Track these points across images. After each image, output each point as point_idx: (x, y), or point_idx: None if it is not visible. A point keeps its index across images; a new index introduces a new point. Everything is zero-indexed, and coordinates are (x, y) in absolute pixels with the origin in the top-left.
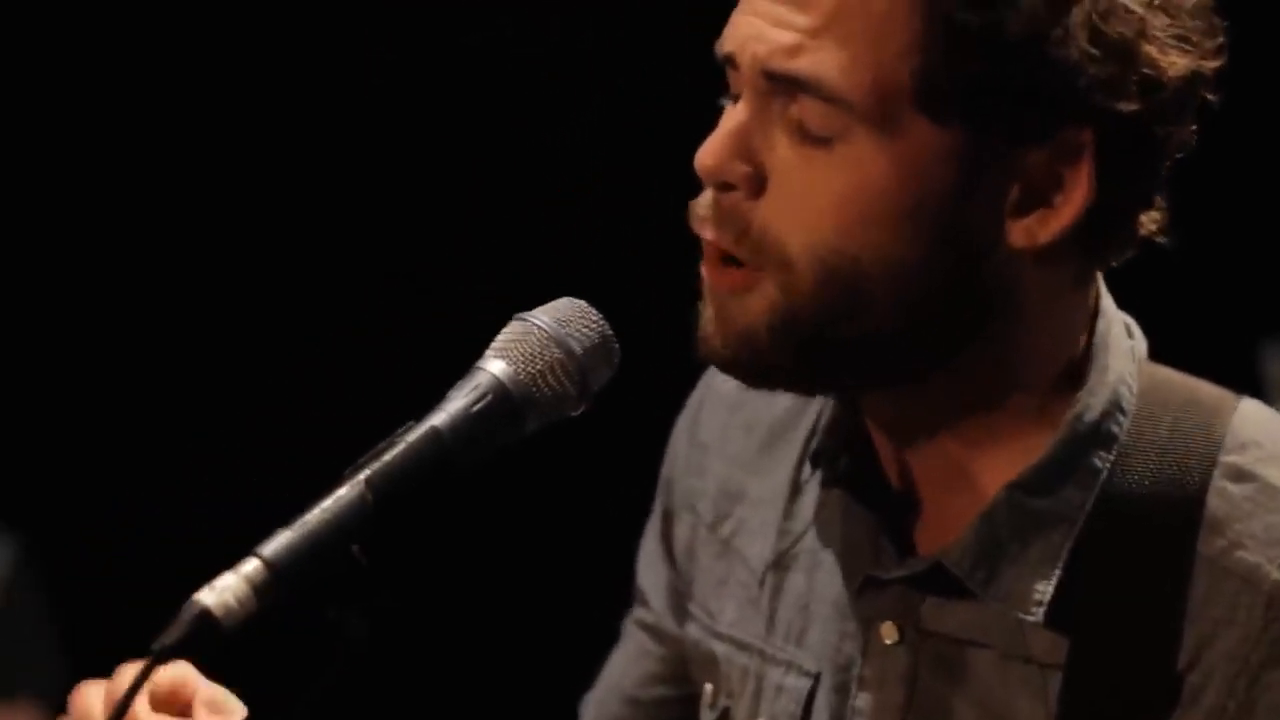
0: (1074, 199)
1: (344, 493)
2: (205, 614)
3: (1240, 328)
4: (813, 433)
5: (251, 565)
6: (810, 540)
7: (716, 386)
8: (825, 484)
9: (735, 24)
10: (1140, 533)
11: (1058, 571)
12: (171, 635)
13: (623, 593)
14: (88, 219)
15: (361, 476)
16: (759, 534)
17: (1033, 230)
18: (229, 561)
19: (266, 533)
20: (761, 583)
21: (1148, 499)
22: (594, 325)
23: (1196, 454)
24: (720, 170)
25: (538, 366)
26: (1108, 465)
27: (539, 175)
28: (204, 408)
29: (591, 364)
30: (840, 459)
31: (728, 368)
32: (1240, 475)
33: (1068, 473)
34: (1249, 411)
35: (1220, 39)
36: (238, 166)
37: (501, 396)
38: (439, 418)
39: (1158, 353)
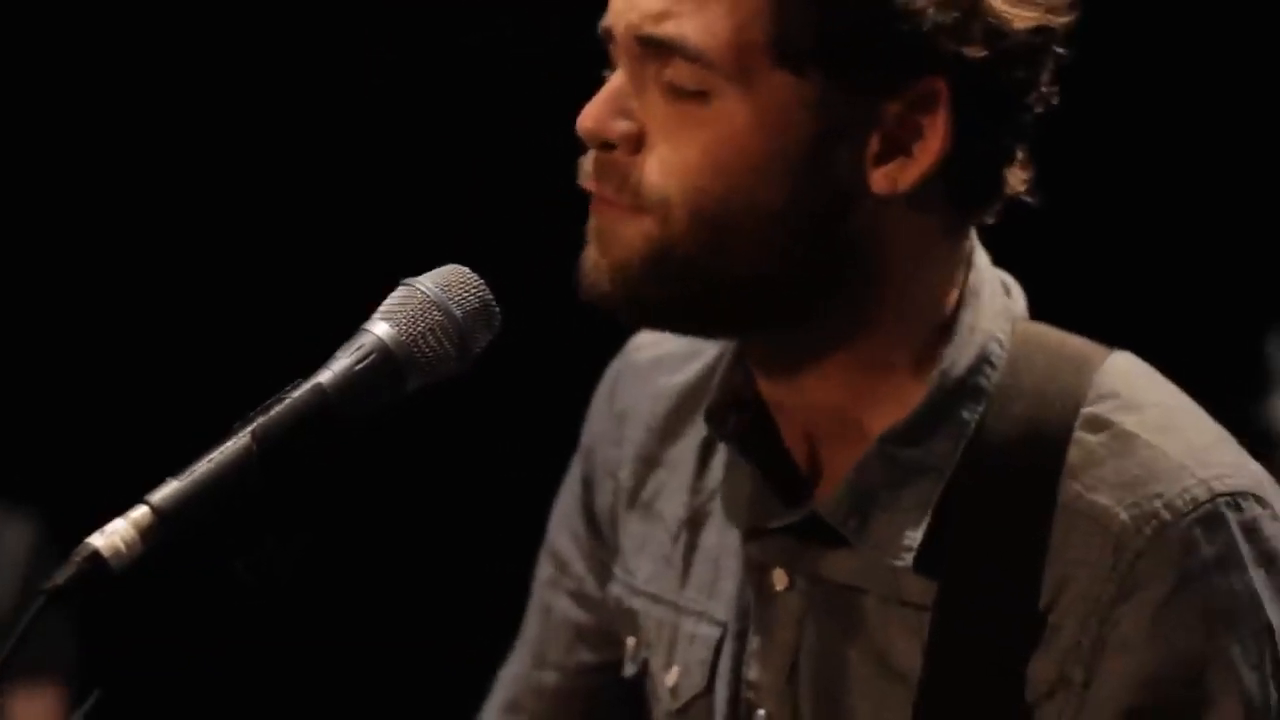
0: (931, 147)
1: (230, 444)
2: (94, 555)
3: (1244, 318)
4: None
5: (139, 511)
6: (720, 498)
7: (632, 358)
8: (720, 439)
9: (612, 1)
10: (1005, 481)
11: (926, 519)
12: (62, 575)
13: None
14: (87, 213)
15: (248, 429)
16: (674, 495)
17: (893, 177)
18: None
19: None
20: (676, 539)
21: (1013, 449)
22: (475, 290)
23: (1060, 406)
24: (600, 130)
25: (419, 328)
26: (976, 417)
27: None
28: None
29: (471, 327)
30: (730, 416)
31: (605, 302)
32: (1097, 424)
33: (937, 424)
34: (1114, 364)
35: None
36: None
37: (384, 356)
38: (324, 375)
39: (1159, 345)
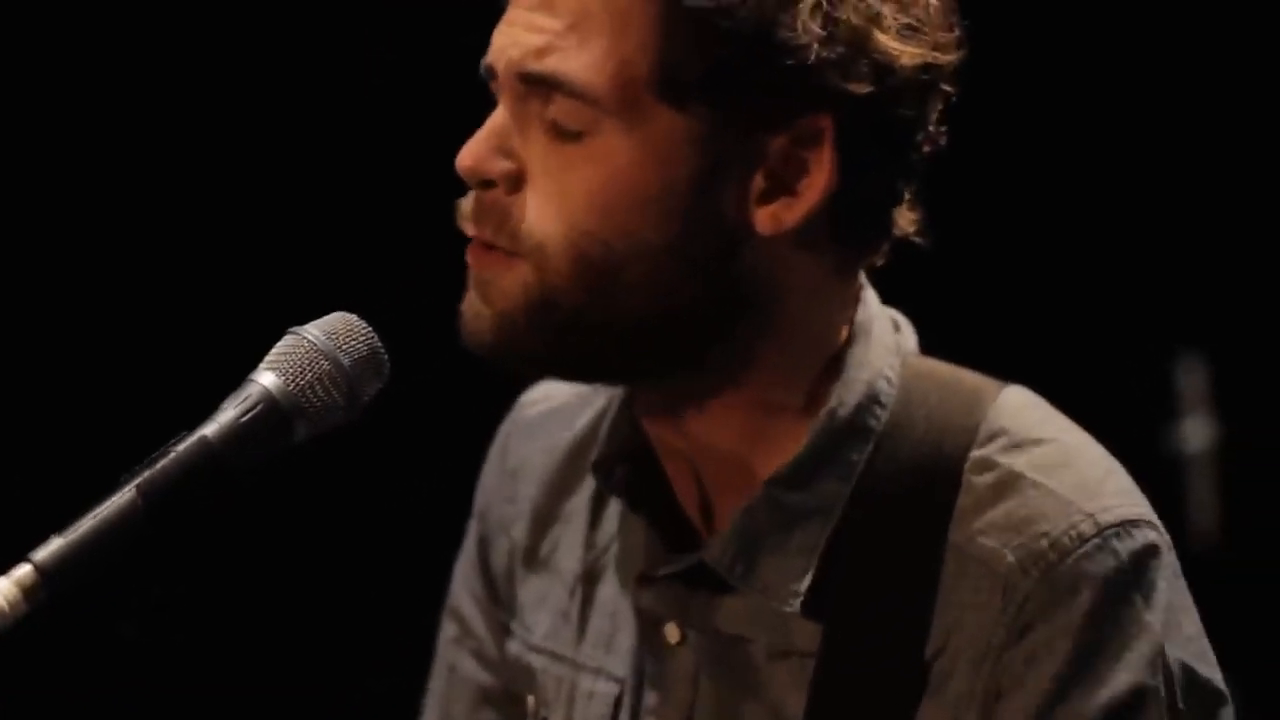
0: (816, 184)
1: (115, 499)
2: None
3: (1153, 342)
4: None
5: (23, 570)
6: (614, 550)
7: (523, 414)
8: (609, 492)
9: (495, 37)
10: (894, 524)
11: (814, 563)
12: None
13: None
14: (72, 215)
15: (133, 483)
16: (570, 549)
17: (779, 216)
18: None
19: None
20: (572, 594)
21: (902, 491)
22: (363, 339)
23: (950, 446)
24: (479, 169)
25: (306, 378)
26: (864, 458)
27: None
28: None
29: (360, 376)
30: (617, 467)
31: (489, 352)
32: (984, 465)
33: (823, 466)
34: (1006, 400)
35: (956, 34)
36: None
37: (270, 407)
38: (210, 428)
39: (1069, 366)
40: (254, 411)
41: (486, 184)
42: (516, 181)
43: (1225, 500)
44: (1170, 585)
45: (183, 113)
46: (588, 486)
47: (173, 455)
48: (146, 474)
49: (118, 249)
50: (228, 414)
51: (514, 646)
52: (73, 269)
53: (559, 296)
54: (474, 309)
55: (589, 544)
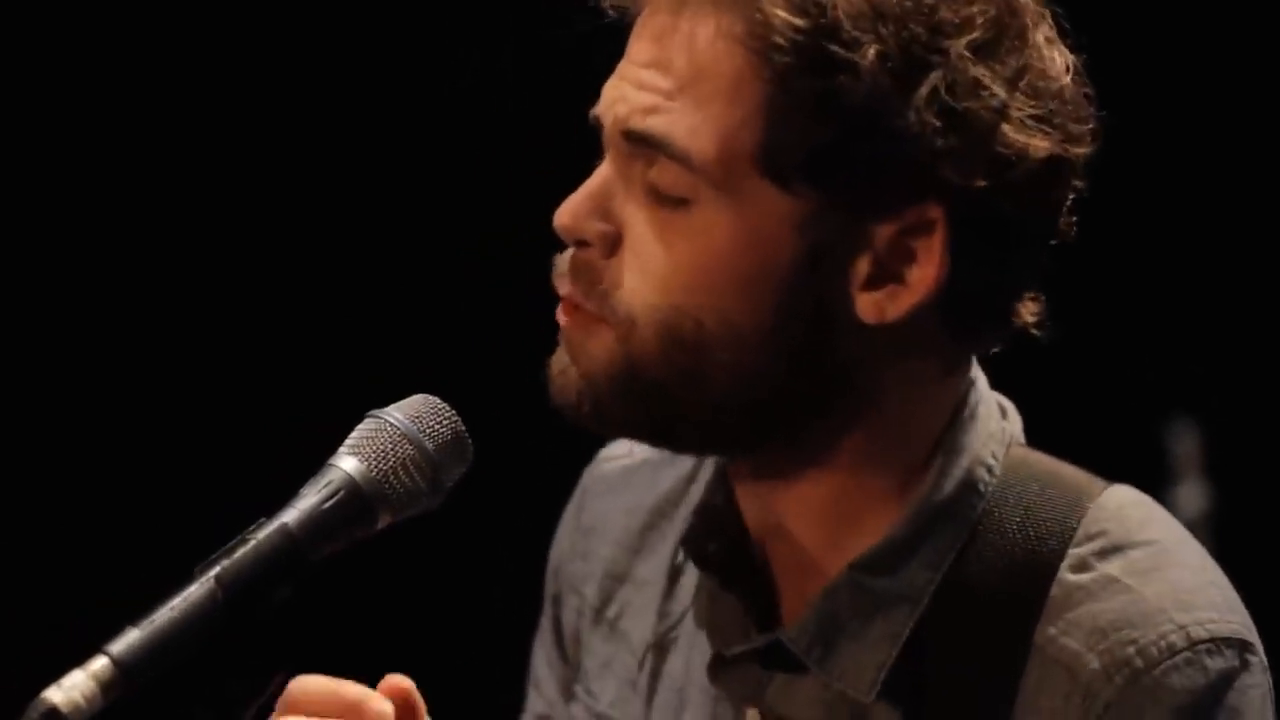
0: (925, 275)
1: (194, 590)
2: (53, 712)
3: (1146, 406)
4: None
5: (100, 663)
6: (689, 621)
7: (601, 469)
8: (702, 569)
9: (606, 89)
10: (981, 618)
11: (895, 652)
12: None
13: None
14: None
15: (211, 573)
16: (641, 615)
17: (882, 305)
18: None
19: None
20: (641, 664)
21: (993, 584)
22: (447, 421)
23: (1047, 542)
24: (576, 228)
25: (389, 463)
26: (957, 547)
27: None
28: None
29: (444, 460)
30: (710, 543)
31: (573, 412)
32: (1081, 565)
33: (913, 552)
34: (1109, 499)
35: (1090, 125)
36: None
37: (353, 493)
38: (290, 515)
39: (1060, 431)
40: (336, 498)
41: (582, 243)
42: (613, 245)
43: (1220, 566)
44: (1258, 712)
45: (271, 178)
46: (664, 552)
47: (252, 544)
48: (225, 563)
49: (198, 319)
50: (308, 500)
51: (578, 712)
52: (151, 330)
53: (643, 369)
54: (560, 367)
55: (663, 613)
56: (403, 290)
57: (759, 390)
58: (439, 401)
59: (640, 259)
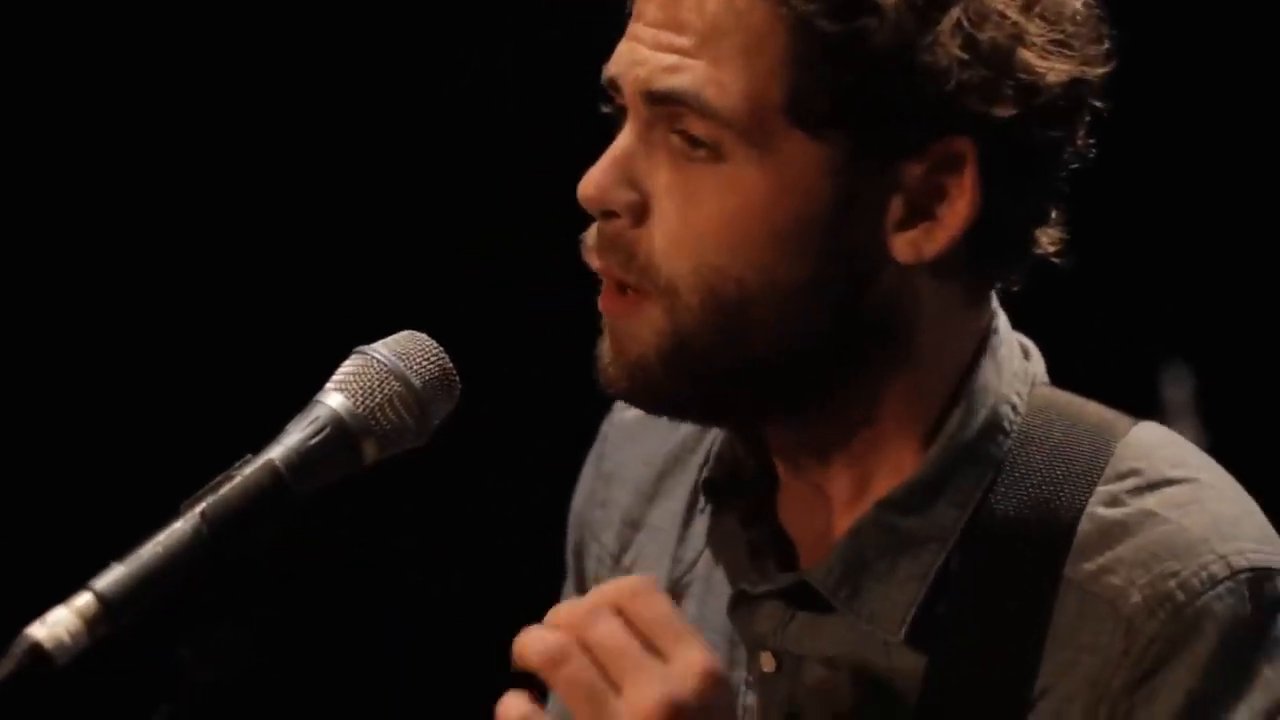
0: (958, 210)
1: (179, 526)
2: (36, 647)
3: (1141, 350)
4: (706, 460)
5: (84, 599)
6: (702, 567)
7: (619, 419)
8: (715, 510)
9: (619, 50)
10: (1010, 554)
11: (923, 591)
12: (2, 670)
13: None
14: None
15: (197, 510)
16: (656, 561)
17: (918, 244)
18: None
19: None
20: None
21: (1021, 521)
22: (434, 358)
23: (1075, 478)
24: (602, 199)
25: (376, 399)
26: (984, 486)
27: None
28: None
29: (431, 397)
30: (728, 486)
31: (626, 397)
32: (1114, 501)
33: (940, 492)
34: (1138, 437)
35: (1105, 46)
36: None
37: (339, 429)
38: (276, 451)
39: (1057, 373)
40: (322, 434)
41: (609, 214)
42: (641, 213)
43: None
44: None
45: (268, 128)
46: (678, 498)
47: (238, 480)
48: (211, 499)
49: (179, 261)
50: (294, 437)
51: None
52: (131, 281)
53: (691, 338)
54: (609, 356)
55: (676, 558)
56: (403, 290)
57: (802, 342)
58: (426, 338)
59: (671, 222)
